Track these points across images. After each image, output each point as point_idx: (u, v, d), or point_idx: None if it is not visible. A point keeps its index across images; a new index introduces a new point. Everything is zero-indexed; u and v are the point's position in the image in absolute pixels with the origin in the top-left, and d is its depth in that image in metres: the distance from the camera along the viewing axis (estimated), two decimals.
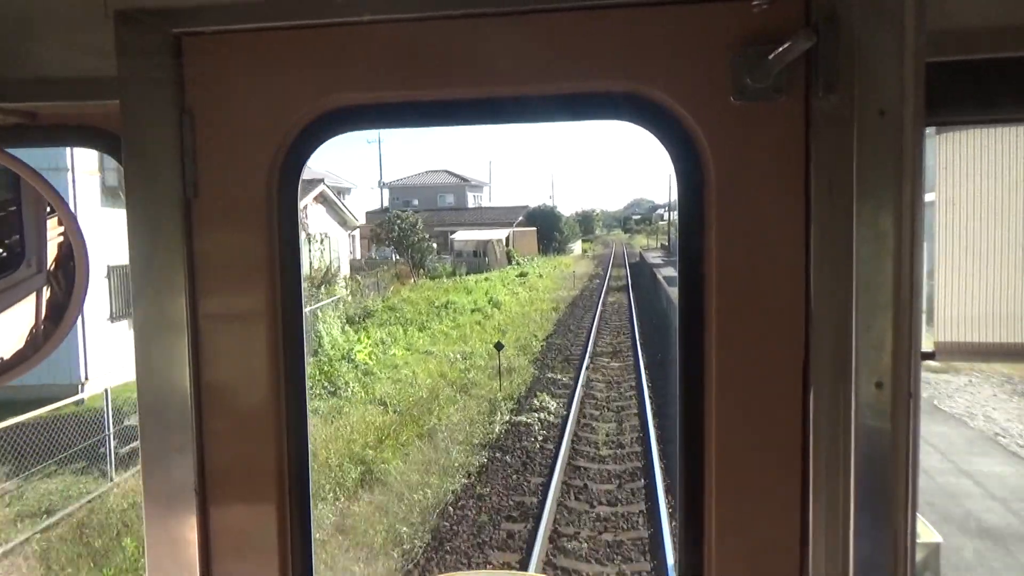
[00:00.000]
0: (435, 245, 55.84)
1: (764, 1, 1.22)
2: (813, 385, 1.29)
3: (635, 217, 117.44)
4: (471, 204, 77.34)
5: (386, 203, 76.57)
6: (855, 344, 1.24)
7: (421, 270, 44.97)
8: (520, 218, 66.59)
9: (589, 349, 22.42)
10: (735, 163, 1.32)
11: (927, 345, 1.43)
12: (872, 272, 1.22)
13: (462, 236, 57.93)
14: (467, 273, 47.55)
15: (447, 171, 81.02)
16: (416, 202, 75.20)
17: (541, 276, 46.36)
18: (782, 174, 1.30)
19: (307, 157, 1.48)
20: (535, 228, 65.77)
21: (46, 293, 1.66)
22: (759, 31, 1.26)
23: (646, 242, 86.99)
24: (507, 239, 58.61)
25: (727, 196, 1.32)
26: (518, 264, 55.45)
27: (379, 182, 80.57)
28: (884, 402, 1.23)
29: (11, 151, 1.53)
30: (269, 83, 1.41)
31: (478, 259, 53.56)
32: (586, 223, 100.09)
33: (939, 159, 1.43)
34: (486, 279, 42.78)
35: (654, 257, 54.19)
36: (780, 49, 1.20)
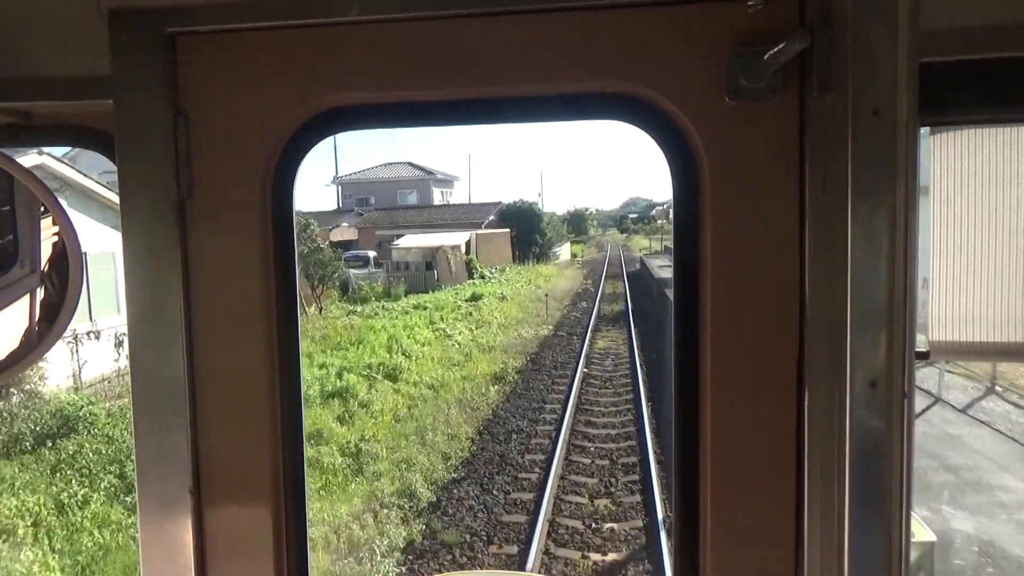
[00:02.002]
0: (373, 255, 42.47)
1: (759, 1, 1.23)
2: (808, 384, 1.29)
3: (631, 216, 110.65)
4: (438, 201, 64.04)
5: (341, 203, 63.46)
6: (849, 343, 1.23)
7: (329, 292, 30.93)
8: (491, 217, 52.61)
9: None
10: (730, 163, 1.31)
11: (921, 344, 1.43)
12: (866, 271, 1.21)
13: (406, 242, 43.91)
14: (406, 293, 33.91)
15: (410, 163, 67.81)
16: (373, 200, 62.22)
17: (504, 298, 32.22)
18: (777, 174, 1.30)
19: (302, 157, 1.46)
20: (508, 230, 51.55)
21: (40, 294, 1.65)
22: (754, 31, 1.26)
23: (647, 244, 74.07)
24: (468, 244, 44.45)
25: (722, 196, 1.32)
26: (483, 278, 41.57)
27: (333, 177, 66.85)
28: (878, 401, 1.22)
29: (4, 150, 1.53)
30: (263, 83, 1.40)
31: (430, 272, 39.68)
32: (578, 223, 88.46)
33: (933, 159, 1.43)
34: (416, 307, 28.72)
35: (661, 267, 40.19)
36: (775, 49, 1.21)
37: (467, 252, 44.12)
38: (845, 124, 1.20)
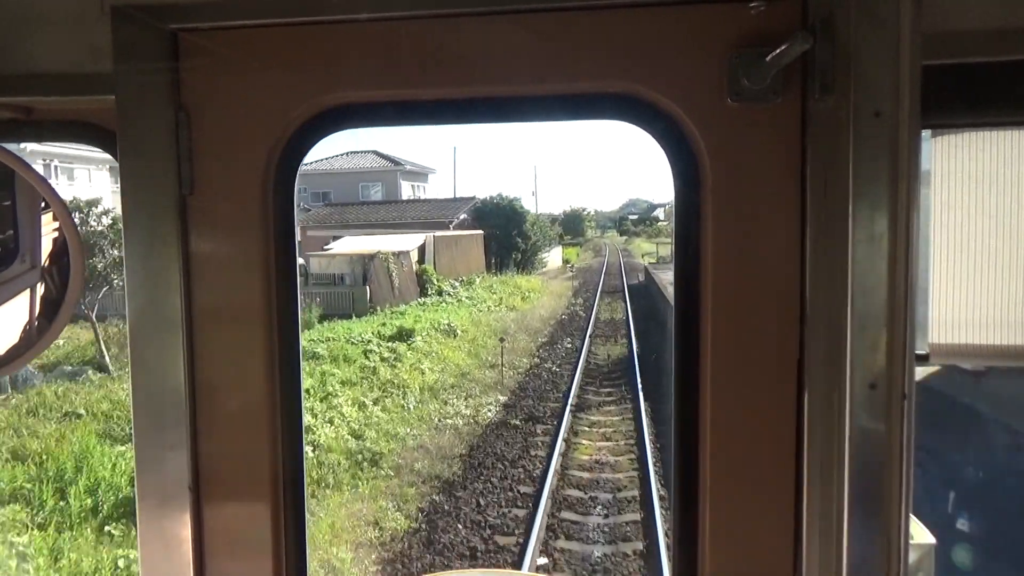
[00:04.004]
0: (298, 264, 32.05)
1: (761, 3, 1.24)
2: (807, 386, 1.29)
3: (631, 217, 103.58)
4: (407, 196, 53.48)
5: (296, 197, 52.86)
6: (849, 345, 1.23)
7: None
8: (463, 215, 41.85)
9: None
10: (731, 164, 1.32)
11: (921, 347, 1.42)
12: (867, 274, 1.22)
13: (339, 247, 33.27)
14: (322, 319, 23.81)
15: (375, 152, 57.02)
16: (332, 194, 51.51)
17: (451, 333, 21.46)
18: (778, 175, 1.30)
19: (304, 155, 1.47)
20: (481, 231, 40.91)
21: (40, 289, 1.65)
22: (756, 33, 1.27)
23: (652, 248, 63.25)
24: (422, 249, 33.74)
25: (723, 197, 1.32)
26: (440, 294, 30.95)
27: None
28: (878, 404, 1.22)
29: (6, 146, 1.53)
30: (265, 80, 1.41)
31: (365, 287, 29.09)
32: (573, 223, 78.24)
33: (934, 161, 1.43)
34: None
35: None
36: (777, 51, 1.21)
37: (420, 259, 33.46)
38: (847, 126, 1.20)
